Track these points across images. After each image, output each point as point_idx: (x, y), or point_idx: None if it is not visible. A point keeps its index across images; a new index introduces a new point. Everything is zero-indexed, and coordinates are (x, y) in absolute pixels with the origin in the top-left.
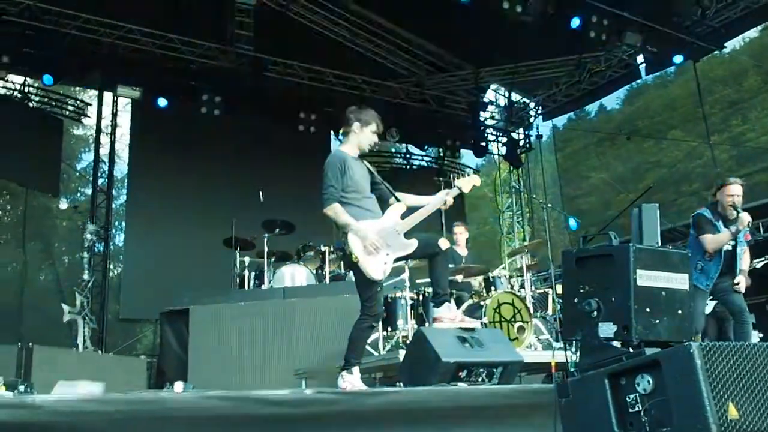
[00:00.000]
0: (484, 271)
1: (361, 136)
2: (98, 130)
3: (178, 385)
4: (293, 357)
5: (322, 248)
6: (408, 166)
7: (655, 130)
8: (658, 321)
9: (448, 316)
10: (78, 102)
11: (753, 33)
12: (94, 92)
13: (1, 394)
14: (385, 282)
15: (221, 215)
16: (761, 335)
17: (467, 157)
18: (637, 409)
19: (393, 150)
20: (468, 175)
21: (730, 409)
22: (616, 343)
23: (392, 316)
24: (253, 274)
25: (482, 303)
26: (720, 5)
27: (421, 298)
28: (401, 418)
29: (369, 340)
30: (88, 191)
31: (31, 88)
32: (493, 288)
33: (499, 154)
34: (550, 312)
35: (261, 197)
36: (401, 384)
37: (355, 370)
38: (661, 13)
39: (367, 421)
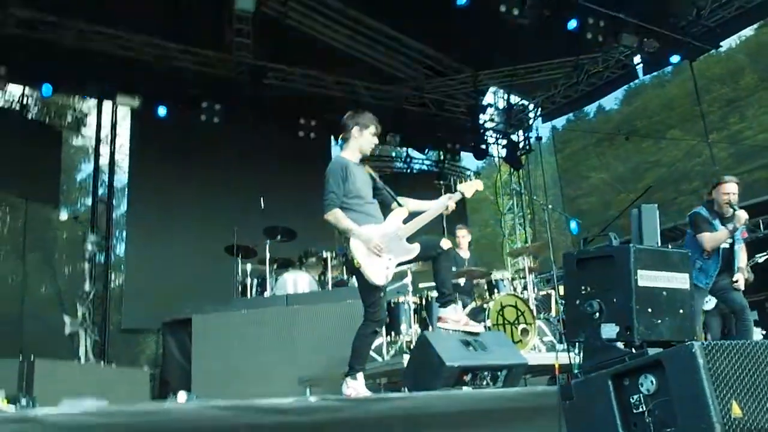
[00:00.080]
0: (487, 274)
1: (361, 140)
2: (98, 140)
3: (182, 395)
4: (297, 364)
5: (324, 254)
6: (408, 170)
7: (653, 129)
8: (660, 321)
9: (453, 318)
10: (77, 112)
11: (748, 31)
12: (93, 102)
13: (2, 408)
14: (387, 287)
15: (222, 223)
16: (764, 332)
17: (467, 159)
18: (641, 409)
19: (393, 154)
20: (470, 178)
21: (734, 408)
22: (619, 344)
23: (396, 321)
24: (255, 281)
25: (485, 306)
26: (715, 5)
27: (424, 302)
28: (406, 424)
29: (373, 346)
30: (89, 201)
31: (29, 99)
32: (495, 290)
33: (499, 157)
34: (553, 314)
35: (262, 204)
36: (406, 389)
37: (360, 376)
38: (657, 14)
39: (372, 428)
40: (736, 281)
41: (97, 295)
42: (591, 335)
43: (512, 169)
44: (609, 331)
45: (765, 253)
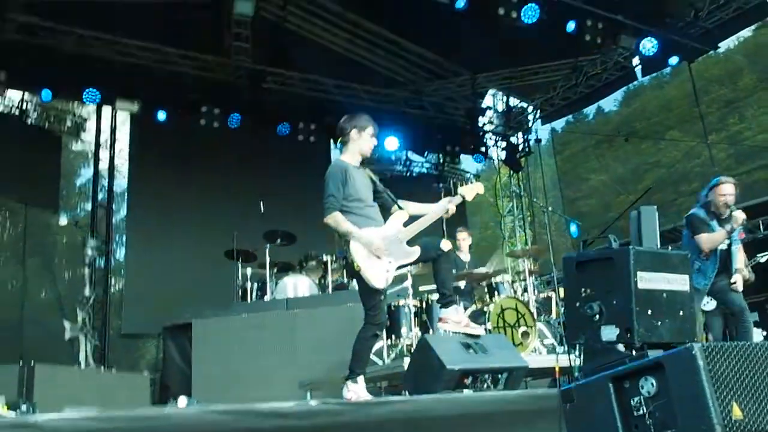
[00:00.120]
0: (487, 277)
1: (360, 142)
2: (97, 145)
3: (182, 400)
4: (297, 368)
5: (324, 258)
6: (408, 173)
7: (652, 131)
8: (660, 323)
9: (454, 319)
10: (76, 117)
11: (747, 32)
12: (93, 107)
13: (3, 414)
14: (388, 290)
15: (222, 227)
16: (765, 333)
17: (467, 162)
18: (641, 411)
19: (393, 157)
20: (470, 181)
21: (734, 410)
22: (620, 346)
23: (396, 324)
24: (255, 285)
25: (485, 309)
26: (713, 6)
27: (424, 305)
28: (407, 427)
29: (373, 349)
30: (88, 206)
31: (29, 104)
32: (496, 293)
33: (498, 159)
34: (553, 316)
35: (262, 208)
36: (406, 392)
37: (360, 379)
38: (655, 16)
39: (373, 431)
40: (734, 282)
41: (97, 300)
42: (591, 337)
43: (512, 172)
44: (609, 333)
45: (766, 253)
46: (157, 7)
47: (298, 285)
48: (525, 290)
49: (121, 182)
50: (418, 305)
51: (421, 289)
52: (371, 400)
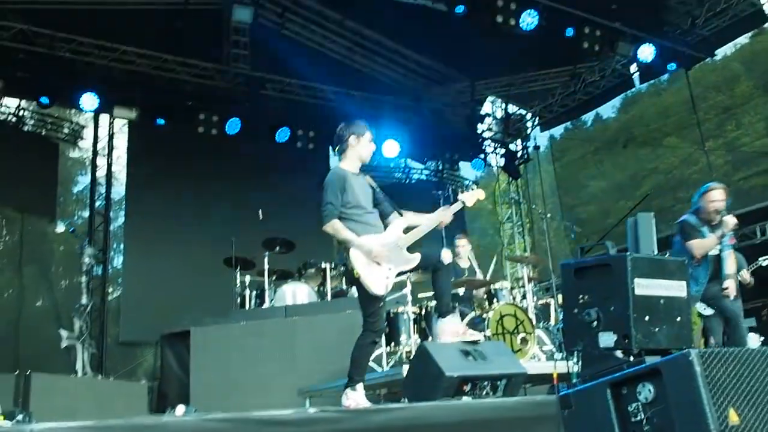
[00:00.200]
0: (486, 284)
1: (359, 148)
2: (95, 152)
3: (180, 409)
4: (296, 376)
5: (323, 265)
6: (407, 180)
7: (650, 137)
8: (657, 329)
9: (452, 329)
10: (74, 124)
11: (743, 40)
12: (90, 114)
13: None
14: (387, 297)
15: (221, 235)
16: (762, 338)
17: (466, 169)
18: (639, 417)
19: (392, 164)
20: (469, 188)
21: (731, 415)
22: (617, 353)
23: (395, 331)
24: (254, 293)
25: (485, 315)
26: (709, 14)
27: (423, 312)
28: None
29: (372, 357)
30: (85, 214)
31: (25, 112)
32: (495, 300)
33: (497, 166)
34: (552, 322)
35: (260, 216)
36: (405, 400)
37: (359, 387)
38: (653, 23)
39: None
40: (726, 288)
41: (94, 308)
42: (589, 344)
43: (511, 179)
44: (607, 339)
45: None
46: (156, 15)
47: (296, 292)
48: (524, 297)
49: (119, 190)
50: (417, 312)
51: (420, 296)
52: (370, 408)
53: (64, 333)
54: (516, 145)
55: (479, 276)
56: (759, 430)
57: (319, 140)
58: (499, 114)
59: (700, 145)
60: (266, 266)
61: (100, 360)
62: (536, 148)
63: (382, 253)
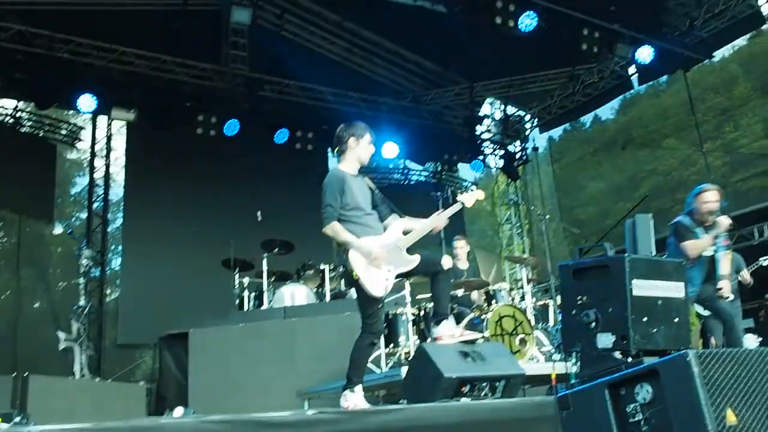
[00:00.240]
0: (485, 285)
1: (358, 150)
2: (92, 154)
3: (178, 411)
4: (295, 377)
5: (322, 267)
6: (406, 182)
7: (649, 139)
8: (655, 330)
9: (448, 334)
10: (71, 126)
11: (741, 41)
12: (88, 115)
13: None
14: (386, 298)
15: (219, 236)
16: (761, 339)
17: (465, 170)
18: (637, 418)
19: (391, 166)
20: (467, 189)
21: (729, 416)
22: (616, 353)
23: (394, 332)
24: (252, 294)
25: (483, 317)
26: (708, 16)
27: (422, 313)
28: None
29: (371, 358)
30: (83, 215)
31: (23, 113)
32: (494, 301)
33: (496, 167)
34: (551, 323)
35: (259, 217)
36: (404, 401)
37: (358, 388)
38: (651, 25)
39: None
40: (720, 289)
41: (92, 309)
42: (587, 345)
43: (509, 180)
44: (605, 340)
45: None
46: (154, 16)
47: (295, 294)
48: (523, 298)
49: (117, 191)
50: (416, 313)
51: (418, 297)
52: (369, 409)
53: (61, 335)
54: (515, 147)
55: (482, 276)
56: (756, 430)
57: (318, 142)
58: (498, 115)
59: (698, 146)
60: (265, 268)
61: (98, 362)
62: (535, 149)
63: (381, 255)
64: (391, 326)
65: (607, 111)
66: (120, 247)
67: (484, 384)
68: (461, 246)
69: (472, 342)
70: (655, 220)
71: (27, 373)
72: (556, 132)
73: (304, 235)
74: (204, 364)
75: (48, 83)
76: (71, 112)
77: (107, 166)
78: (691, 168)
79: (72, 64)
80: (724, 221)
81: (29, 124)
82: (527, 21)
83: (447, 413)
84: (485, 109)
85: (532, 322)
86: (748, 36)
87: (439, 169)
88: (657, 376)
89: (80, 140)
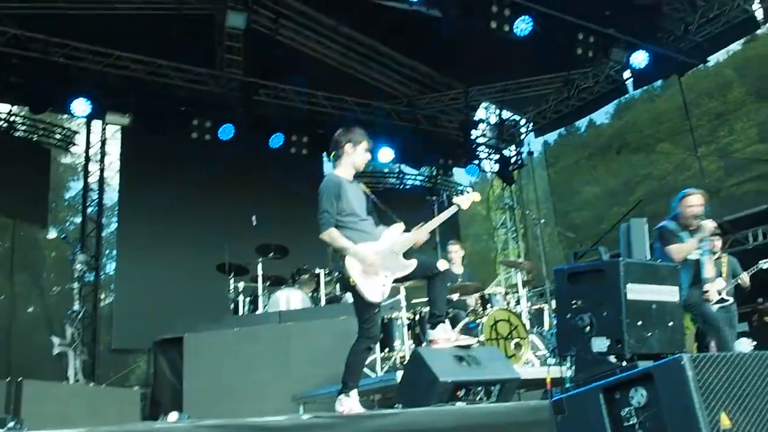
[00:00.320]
0: (480, 289)
1: (354, 156)
2: (87, 158)
3: (173, 416)
4: (291, 381)
5: (317, 271)
6: (401, 186)
7: (644, 143)
8: (650, 334)
9: (444, 337)
10: (66, 130)
11: (735, 46)
12: (82, 120)
13: None
14: (382, 303)
15: (214, 241)
16: (755, 343)
17: (460, 175)
18: (632, 422)
19: (386, 170)
20: (462, 193)
21: (723, 419)
22: (610, 357)
23: (389, 336)
24: (247, 299)
25: (479, 321)
26: (702, 20)
27: (417, 317)
28: None
29: (366, 362)
30: (77, 220)
31: (17, 118)
32: (489, 305)
33: (491, 172)
34: (546, 327)
35: (254, 221)
36: (400, 405)
37: (353, 393)
38: (646, 30)
39: None
40: (706, 292)
41: (86, 314)
42: (582, 349)
43: (505, 184)
44: (600, 344)
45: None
46: (149, 20)
47: (290, 298)
48: (518, 302)
49: (112, 196)
50: (411, 318)
51: (414, 301)
52: (364, 414)
53: (55, 340)
54: (510, 151)
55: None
56: None
57: (313, 146)
58: (493, 120)
59: (693, 151)
60: (260, 272)
61: (92, 367)
62: (530, 153)
63: (376, 261)
64: (386, 330)
65: (602, 115)
66: (114, 252)
67: (480, 388)
68: (456, 250)
69: (468, 346)
70: (649, 224)
71: (21, 378)
72: (551, 136)
73: (299, 239)
74: (199, 369)
75: (43, 87)
76: (66, 116)
77: (102, 170)
78: (686, 172)
79: (67, 69)
80: (709, 225)
81: (23, 128)
82: (522, 25)
83: (442, 417)
84: (480, 114)
85: (528, 327)
86: (742, 41)
87: (435, 173)
88: (651, 379)
89: (75, 144)
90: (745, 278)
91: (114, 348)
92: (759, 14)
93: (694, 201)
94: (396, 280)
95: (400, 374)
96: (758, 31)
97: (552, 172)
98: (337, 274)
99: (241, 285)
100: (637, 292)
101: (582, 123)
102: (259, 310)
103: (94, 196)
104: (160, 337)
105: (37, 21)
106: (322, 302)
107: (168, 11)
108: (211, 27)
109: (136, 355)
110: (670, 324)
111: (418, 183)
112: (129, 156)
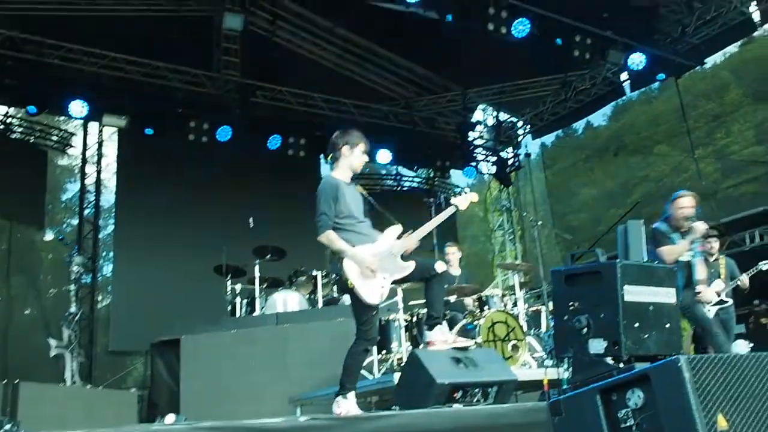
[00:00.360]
0: (478, 291)
1: (351, 158)
2: (84, 160)
3: (170, 417)
4: (288, 383)
5: (314, 273)
6: (398, 188)
7: (641, 145)
8: (647, 335)
9: (441, 339)
10: (62, 132)
11: (732, 48)
12: (79, 122)
13: None
14: (380, 305)
15: (211, 243)
16: (751, 344)
17: (457, 176)
18: (629, 423)
19: (383, 172)
20: (460, 194)
21: (720, 421)
22: (608, 359)
23: (386, 338)
24: (244, 301)
25: (476, 322)
26: (699, 23)
27: (414, 319)
28: None
29: (363, 364)
30: (74, 222)
31: (13, 119)
32: (486, 307)
33: (488, 174)
34: (543, 329)
35: (251, 223)
36: (397, 407)
37: (351, 395)
38: (643, 32)
39: None
40: (699, 293)
41: (83, 316)
42: (579, 351)
43: (502, 186)
44: (597, 346)
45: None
46: (146, 22)
47: (287, 300)
48: (515, 304)
49: (108, 197)
50: (409, 320)
51: (411, 303)
52: (361, 415)
53: (52, 342)
54: (507, 153)
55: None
56: None
57: (310, 148)
58: (491, 122)
59: (690, 153)
60: (257, 274)
61: (89, 369)
62: (527, 155)
63: (374, 263)
64: (383, 332)
65: (599, 117)
66: (111, 254)
67: (477, 390)
68: (453, 252)
69: (465, 348)
70: (646, 226)
71: (18, 380)
72: (549, 138)
73: (296, 241)
74: (196, 371)
75: (39, 89)
76: (62, 118)
77: (98, 172)
78: (683, 174)
79: (63, 70)
80: (700, 226)
81: (20, 130)
82: (520, 27)
83: (439, 419)
84: (478, 116)
85: (525, 328)
86: (739, 43)
87: (432, 175)
88: (648, 381)
89: (71, 146)
90: (744, 280)
91: (111, 350)
92: (756, 16)
93: (685, 203)
94: (394, 282)
95: (397, 376)
96: (755, 33)
97: (549, 174)
98: (334, 276)
99: (238, 287)
100: (634, 293)
101: (579, 125)
102: (257, 312)
103: (91, 197)
104: (157, 339)
105: (32, 22)
106: (320, 304)
107: (165, 13)
108: (209, 29)
109: (133, 357)
110: (667, 326)
111: (415, 185)
112: (126, 158)
